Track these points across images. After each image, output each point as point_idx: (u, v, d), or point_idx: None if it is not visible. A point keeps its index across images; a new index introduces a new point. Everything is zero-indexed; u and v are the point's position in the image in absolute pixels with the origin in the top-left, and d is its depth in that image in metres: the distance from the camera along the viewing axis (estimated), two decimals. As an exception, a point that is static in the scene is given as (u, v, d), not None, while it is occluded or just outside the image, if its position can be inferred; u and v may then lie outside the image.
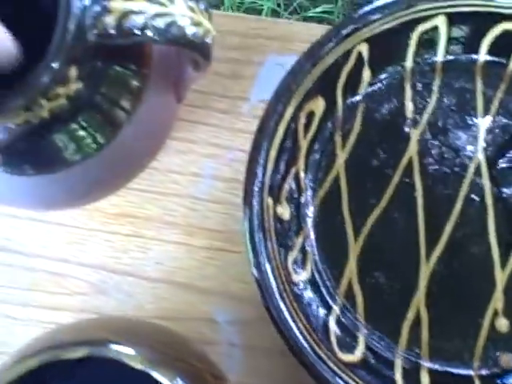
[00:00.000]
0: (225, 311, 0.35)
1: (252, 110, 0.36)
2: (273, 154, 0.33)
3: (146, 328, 0.31)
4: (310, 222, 0.35)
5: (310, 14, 1.12)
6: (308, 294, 0.34)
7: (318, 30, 0.36)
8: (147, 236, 0.36)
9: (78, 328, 0.31)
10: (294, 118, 0.34)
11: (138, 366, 0.24)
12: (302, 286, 0.34)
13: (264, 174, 0.32)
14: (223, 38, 0.37)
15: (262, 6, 1.12)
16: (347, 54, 0.34)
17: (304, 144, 0.35)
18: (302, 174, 0.35)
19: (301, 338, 0.31)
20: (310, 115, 0.34)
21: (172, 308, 0.36)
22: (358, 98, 0.35)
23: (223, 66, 0.37)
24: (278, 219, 0.33)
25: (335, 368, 0.31)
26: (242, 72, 0.37)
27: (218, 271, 0.36)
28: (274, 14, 1.13)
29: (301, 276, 0.34)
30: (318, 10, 1.12)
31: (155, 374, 0.24)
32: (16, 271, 0.36)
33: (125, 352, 0.25)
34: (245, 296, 0.35)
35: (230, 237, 0.36)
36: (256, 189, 0.32)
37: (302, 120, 0.34)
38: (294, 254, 0.34)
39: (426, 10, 0.33)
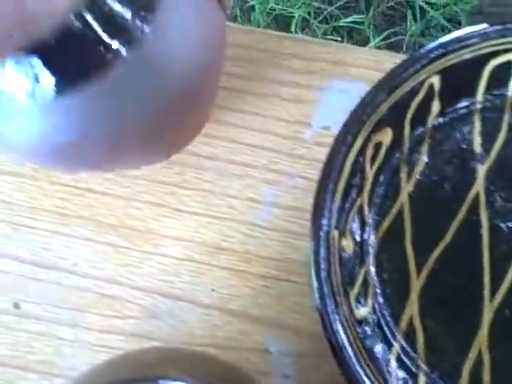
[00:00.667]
0: (279, 342, 0.35)
1: (314, 137, 0.36)
2: (341, 185, 0.32)
3: (202, 359, 0.31)
4: (371, 255, 0.34)
5: (341, 24, 1.11)
6: (369, 330, 0.33)
7: (384, 57, 0.36)
8: (201, 261, 0.36)
9: (141, 361, 0.30)
10: (363, 149, 0.33)
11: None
12: (363, 321, 0.33)
13: (332, 206, 0.32)
14: (287, 61, 0.36)
15: (293, 13, 1.12)
16: (419, 85, 0.33)
17: (370, 175, 0.34)
18: (365, 206, 0.34)
19: (362, 374, 0.31)
20: (378, 146, 0.34)
21: (224, 336, 0.35)
22: (425, 129, 0.34)
23: (285, 89, 0.36)
24: (341, 252, 0.33)
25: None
26: (305, 96, 0.36)
27: (273, 300, 0.35)
28: (304, 22, 1.12)
29: (362, 311, 0.33)
30: (349, 19, 1.12)
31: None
32: (66, 291, 0.36)
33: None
34: (300, 327, 0.35)
35: (287, 266, 0.35)
36: (324, 221, 0.31)
37: (370, 151, 0.33)
38: (355, 289, 0.33)
39: (502, 43, 0.33)
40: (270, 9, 1.12)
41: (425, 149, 0.35)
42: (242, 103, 0.37)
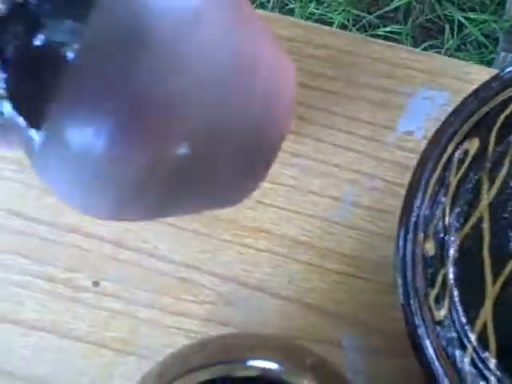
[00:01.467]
0: (351, 337, 0.36)
1: (397, 141, 0.37)
2: (430, 190, 0.33)
3: (292, 347, 0.32)
4: (450, 259, 0.35)
5: (378, 33, 1.13)
6: (445, 332, 0.34)
7: (470, 69, 0.37)
8: (280, 253, 0.37)
9: (228, 344, 0.31)
10: (451, 156, 0.34)
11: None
12: (440, 322, 0.34)
13: (420, 210, 0.33)
14: (374, 65, 0.38)
15: (332, 19, 1.13)
16: (509, 99, 0.34)
17: (454, 182, 0.35)
18: (448, 211, 0.35)
19: (441, 372, 0.32)
20: (465, 154, 0.35)
21: (298, 328, 0.36)
22: (510, 142, 0.36)
23: (371, 92, 0.38)
24: (425, 255, 0.34)
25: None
26: (390, 101, 0.37)
27: (348, 296, 0.36)
28: (343, 28, 1.14)
29: (440, 312, 0.34)
30: (387, 29, 1.13)
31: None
32: (145, 272, 0.37)
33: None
34: (372, 324, 0.36)
35: (363, 264, 0.36)
36: (411, 225, 0.32)
37: (457, 159, 0.34)
38: (435, 291, 0.34)
39: None
40: (309, 13, 1.13)
41: (507, 162, 0.36)
42: (329, 103, 0.38)
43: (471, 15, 1.18)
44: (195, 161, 0.26)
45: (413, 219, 0.33)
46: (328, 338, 0.37)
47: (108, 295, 0.37)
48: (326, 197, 0.38)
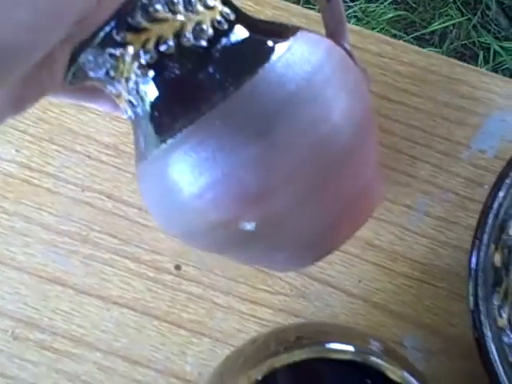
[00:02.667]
0: (414, 338, 0.39)
1: (471, 158, 0.40)
2: (505, 205, 0.36)
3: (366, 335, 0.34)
4: (515, 272, 0.38)
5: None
6: (507, 338, 0.36)
7: (544, 96, 0.39)
8: (353, 253, 0.39)
9: (304, 330, 0.33)
10: (524, 175, 0.36)
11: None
12: (502, 329, 0.36)
13: (494, 223, 0.35)
14: (456, 86, 0.40)
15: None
16: None
17: (524, 200, 0.38)
18: (515, 227, 0.38)
19: (503, 375, 0.34)
20: (536, 175, 0.37)
21: (365, 324, 0.39)
22: None
23: (450, 111, 0.40)
24: (493, 265, 0.36)
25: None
26: (467, 120, 0.40)
27: (414, 300, 0.39)
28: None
29: (501, 320, 0.37)
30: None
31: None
32: (225, 262, 0.40)
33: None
34: (435, 327, 0.39)
35: (430, 270, 0.39)
36: (486, 237, 0.35)
37: (529, 179, 0.37)
38: (498, 300, 0.37)
39: None
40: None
41: None
42: (409, 117, 0.41)
43: (506, 44, 1.21)
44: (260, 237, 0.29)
45: (486, 232, 0.36)
46: (391, 337, 0.39)
47: (188, 279, 0.40)
48: (400, 205, 0.40)
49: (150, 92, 0.27)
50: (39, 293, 0.40)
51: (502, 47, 1.21)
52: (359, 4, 1.18)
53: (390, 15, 1.22)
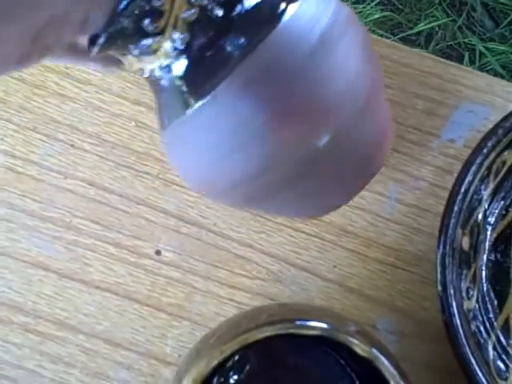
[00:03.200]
0: (387, 321, 0.40)
1: (441, 147, 0.41)
2: (471, 191, 0.37)
3: (335, 314, 0.36)
4: (483, 256, 0.39)
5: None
6: (474, 320, 0.38)
7: (512, 88, 0.41)
8: (328, 239, 0.41)
9: (275, 310, 0.35)
10: (491, 163, 0.38)
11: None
12: (469, 311, 0.38)
13: (461, 209, 0.37)
14: (426, 78, 0.42)
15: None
16: (549, 117, 0.38)
17: (492, 186, 0.39)
18: (484, 212, 0.39)
19: (471, 356, 0.36)
20: (503, 163, 0.39)
21: (339, 308, 0.40)
22: (544, 156, 0.40)
23: (421, 102, 0.42)
24: (461, 249, 0.38)
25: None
26: (437, 111, 0.42)
27: (387, 284, 0.40)
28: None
29: (469, 302, 0.38)
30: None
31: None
32: (204, 247, 0.41)
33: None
34: (407, 311, 0.40)
35: (403, 256, 0.40)
36: (452, 222, 0.36)
37: (496, 166, 0.39)
38: (466, 282, 0.38)
39: None
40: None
41: (540, 173, 0.40)
42: (382, 108, 0.42)
43: (491, 45, 1.23)
44: (326, 158, 0.31)
45: (454, 218, 0.37)
46: (365, 320, 0.41)
47: (168, 264, 0.41)
48: (373, 192, 0.42)
49: (182, 59, 0.29)
50: (23, 277, 0.41)
51: (486, 48, 1.23)
52: (346, 5, 1.20)
53: (377, 16, 1.24)
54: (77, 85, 0.43)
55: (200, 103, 0.29)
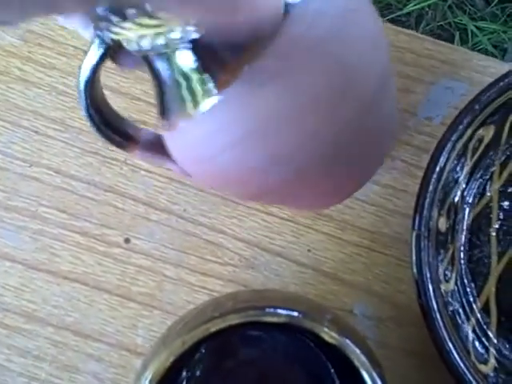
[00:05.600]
0: (364, 306, 0.39)
1: (417, 125, 0.40)
2: (446, 170, 0.36)
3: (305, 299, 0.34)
4: (461, 236, 0.38)
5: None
6: (452, 303, 0.37)
7: (490, 62, 0.39)
8: (302, 223, 0.39)
9: (244, 297, 0.34)
10: (468, 140, 0.37)
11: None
12: (448, 293, 0.37)
13: (436, 188, 0.35)
14: (401, 54, 0.40)
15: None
16: (525, 91, 0.37)
17: (469, 165, 0.38)
18: (461, 192, 0.38)
19: (447, 338, 0.34)
20: (480, 140, 0.38)
21: (315, 294, 0.39)
22: (522, 132, 0.38)
23: (396, 79, 0.40)
24: (437, 230, 0.36)
25: (476, 376, 0.34)
26: (413, 88, 0.40)
27: (364, 268, 0.39)
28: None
29: (447, 285, 0.37)
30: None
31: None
32: (175, 233, 0.39)
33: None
34: (384, 295, 0.39)
35: (379, 238, 0.39)
36: (427, 202, 0.35)
37: (473, 143, 0.37)
38: (444, 264, 0.37)
39: None
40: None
41: (518, 151, 0.39)
42: (356, 86, 0.40)
43: (482, 24, 1.21)
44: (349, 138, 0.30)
45: (429, 197, 0.36)
46: (341, 305, 0.39)
47: (138, 252, 0.40)
48: (348, 173, 0.40)
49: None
50: (-12, 269, 0.40)
51: (477, 27, 1.20)
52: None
53: (365, -3, 1.22)
54: (40, 69, 0.42)
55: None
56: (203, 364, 0.33)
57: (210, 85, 0.28)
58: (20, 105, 0.41)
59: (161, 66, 0.28)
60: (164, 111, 0.30)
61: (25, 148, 0.41)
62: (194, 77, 0.28)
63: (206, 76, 0.27)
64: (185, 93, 0.28)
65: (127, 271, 0.40)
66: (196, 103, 0.28)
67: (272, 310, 0.30)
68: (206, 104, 0.28)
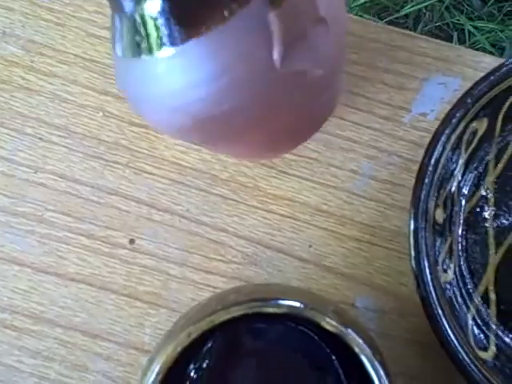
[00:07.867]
0: (366, 299, 0.40)
1: (412, 121, 0.41)
2: (441, 163, 0.37)
3: (309, 293, 0.35)
4: (458, 227, 0.39)
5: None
6: (451, 293, 0.38)
7: (483, 58, 0.40)
8: (302, 219, 0.40)
9: (248, 291, 0.34)
10: (462, 133, 0.38)
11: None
12: (447, 284, 0.37)
13: (432, 181, 0.36)
14: (394, 52, 0.41)
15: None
16: (516, 84, 0.38)
17: (464, 157, 0.39)
18: (457, 184, 0.39)
19: (449, 330, 0.35)
20: (474, 133, 0.39)
21: (317, 288, 0.40)
22: (514, 125, 0.39)
23: (390, 76, 0.41)
24: (435, 222, 0.37)
25: (476, 363, 0.35)
26: (407, 85, 0.41)
27: (365, 262, 0.40)
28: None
29: (446, 275, 0.38)
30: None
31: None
32: (178, 233, 0.40)
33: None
34: (386, 287, 0.40)
35: (379, 232, 0.40)
36: (424, 193, 0.36)
37: (467, 136, 0.38)
38: (442, 255, 0.38)
39: None
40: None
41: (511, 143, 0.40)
42: (351, 85, 0.42)
43: (479, 24, 1.22)
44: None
45: (425, 190, 0.37)
46: (344, 299, 0.40)
47: (142, 252, 0.41)
48: (346, 170, 0.41)
49: None
50: (-3, 273, 0.41)
51: (475, 27, 1.22)
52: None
53: (363, 1, 1.24)
54: (42, 77, 0.43)
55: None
56: (210, 356, 0.34)
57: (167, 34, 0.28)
58: (24, 113, 0.42)
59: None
60: (115, 45, 0.31)
61: (30, 155, 0.42)
62: (153, 22, 0.28)
63: (167, 25, 0.28)
64: (139, 34, 0.29)
65: (133, 271, 0.41)
66: (150, 49, 0.29)
67: (274, 301, 0.31)
68: (162, 53, 0.29)
